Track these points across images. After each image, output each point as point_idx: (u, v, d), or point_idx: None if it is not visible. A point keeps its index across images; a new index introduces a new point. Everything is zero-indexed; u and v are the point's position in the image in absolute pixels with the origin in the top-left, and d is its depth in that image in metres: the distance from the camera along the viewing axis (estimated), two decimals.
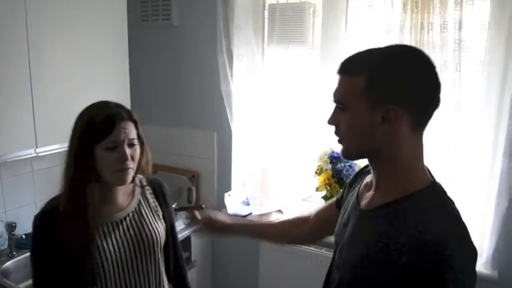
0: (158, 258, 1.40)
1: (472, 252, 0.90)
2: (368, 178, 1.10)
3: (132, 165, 1.27)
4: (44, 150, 2.05)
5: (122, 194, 1.36)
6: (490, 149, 1.95)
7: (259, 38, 2.48)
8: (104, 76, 2.30)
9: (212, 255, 2.88)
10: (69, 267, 1.22)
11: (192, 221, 1.76)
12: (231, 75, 2.48)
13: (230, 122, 2.55)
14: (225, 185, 2.73)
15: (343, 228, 1.09)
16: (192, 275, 2.64)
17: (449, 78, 1.89)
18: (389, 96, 0.91)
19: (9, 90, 1.87)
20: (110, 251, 1.29)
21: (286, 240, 1.59)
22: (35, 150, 2.01)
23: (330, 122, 1.01)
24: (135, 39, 2.62)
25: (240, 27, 2.39)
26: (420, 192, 0.94)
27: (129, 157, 1.24)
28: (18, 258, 2.12)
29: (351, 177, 1.27)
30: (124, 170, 1.25)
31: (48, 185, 2.40)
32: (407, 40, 1.94)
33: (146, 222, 1.39)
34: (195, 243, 2.67)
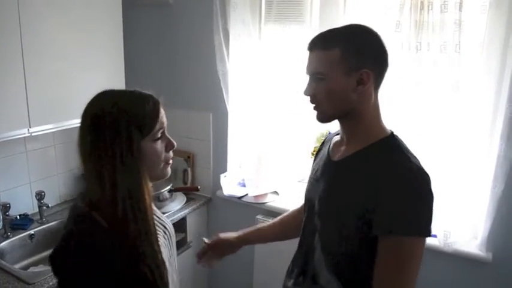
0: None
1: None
2: (336, 139, 1.31)
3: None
4: (38, 130, 2.03)
5: None
6: (488, 131, 1.94)
7: (256, 17, 2.44)
8: (97, 55, 2.27)
9: (207, 236, 2.87)
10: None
11: (200, 256, 1.63)
12: (228, 55, 2.45)
13: (226, 103, 2.52)
14: (221, 166, 2.72)
15: (315, 184, 1.30)
16: (187, 256, 2.66)
17: (449, 59, 1.87)
18: (362, 60, 1.12)
19: (0, 69, 1.84)
20: (164, 252, 1.13)
21: (291, 233, 1.57)
22: (28, 130, 1.98)
23: (307, 92, 1.20)
24: (129, 17, 2.57)
25: (236, 6, 2.34)
26: (385, 138, 1.18)
27: None
28: (13, 238, 2.12)
29: (316, 151, 1.47)
30: (171, 159, 1.12)
31: (42, 166, 2.42)
32: (407, 20, 1.91)
33: (161, 216, 1.28)
34: (190, 224, 2.68)
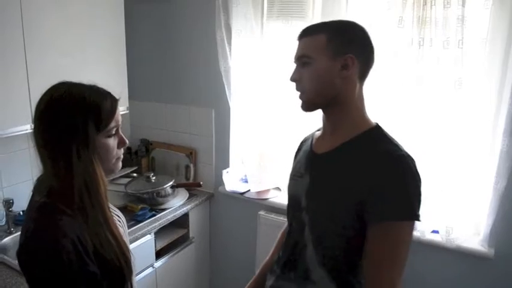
0: None
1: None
2: (318, 134, 1.35)
3: None
4: None
5: None
6: (490, 127, 1.93)
7: (259, 13, 2.43)
8: (99, 50, 2.27)
9: (210, 232, 2.89)
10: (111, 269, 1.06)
11: None
12: (230, 51, 2.45)
13: (228, 99, 2.52)
14: (223, 162, 2.72)
15: (299, 180, 1.29)
16: (190, 251, 2.67)
17: (451, 55, 1.86)
18: (347, 46, 1.15)
19: (3, 65, 1.84)
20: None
21: None
22: (31, 125, 1.97)
23: (293, 78, 1.24)
24: (131, 13, 2.58)
25: (238, 1, 2.34)
26: (371, 129, 1.20)
27: None
28: (16, 234, 2.13)
29: (295, 152, 1.50)
30: (122, 155, 1.14)
31: None
32: (410, 16, 1.90)
33: (112, 207, 1.27)
34: (193, 219, 2.68)
